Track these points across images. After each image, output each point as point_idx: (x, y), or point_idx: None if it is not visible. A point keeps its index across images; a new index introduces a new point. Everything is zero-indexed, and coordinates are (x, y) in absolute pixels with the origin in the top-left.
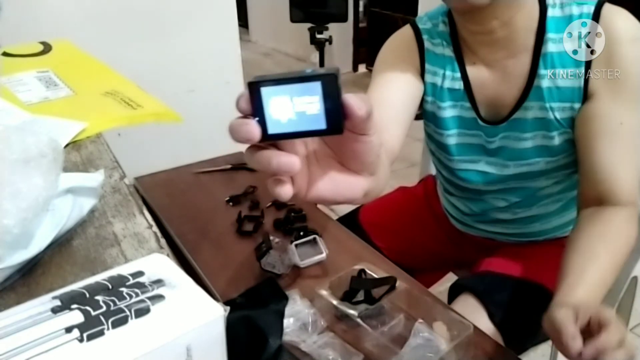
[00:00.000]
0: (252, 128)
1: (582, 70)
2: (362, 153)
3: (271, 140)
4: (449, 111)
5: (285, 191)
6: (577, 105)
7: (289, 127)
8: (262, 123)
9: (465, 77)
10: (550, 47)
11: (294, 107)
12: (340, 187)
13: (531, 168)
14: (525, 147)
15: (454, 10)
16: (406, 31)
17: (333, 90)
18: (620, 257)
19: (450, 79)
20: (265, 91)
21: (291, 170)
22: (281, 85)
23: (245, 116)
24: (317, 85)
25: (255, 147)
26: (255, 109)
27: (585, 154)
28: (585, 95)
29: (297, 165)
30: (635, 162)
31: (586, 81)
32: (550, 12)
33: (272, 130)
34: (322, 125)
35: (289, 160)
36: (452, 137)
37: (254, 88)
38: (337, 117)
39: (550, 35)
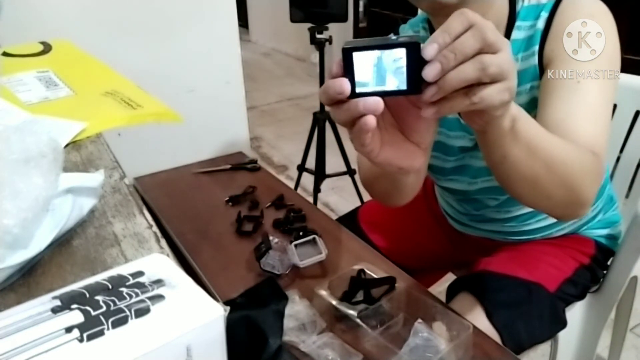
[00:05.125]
0: (344, 84)
1: (537, 48)
2: (423, 125)
3: (359, 97)
4: None
5: (370, 123)
6: (535, 84)
7: (374, 87)
8: (351, 83)
9: None
10: (515, 34)
11: (380, 70)
12: (404, 154)
13: None
14: None
15: (427, 13)
16: None
17: (415, 56)
18: (560, 151)
19: None
20: (356, 56)
21: (377, 109)
22: (370, 51)
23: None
24: (401, 51)
25: (341, 102)
26: (346, 71)
27: (539, 115)
28: (540, 70)
29: (382, 105)
30: (595, 119)
31: (540, 57)
32: (520, 4)
33: (359, 89)
34: (403, 85)
35: (374, 100)
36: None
37: (346, 53)
38: (417, 79)
39: (517, 23)
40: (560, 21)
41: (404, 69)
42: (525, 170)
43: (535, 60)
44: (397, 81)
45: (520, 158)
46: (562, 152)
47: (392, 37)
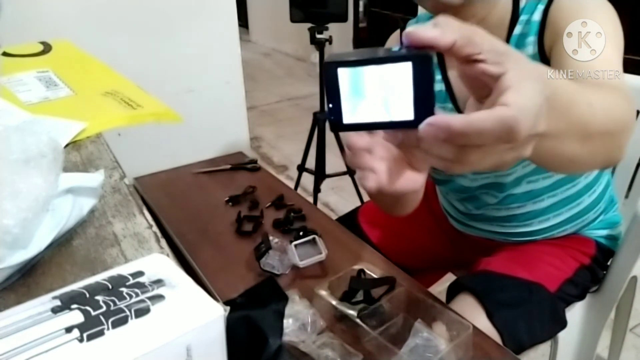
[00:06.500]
0: (355, 139)
1: (532, 38)
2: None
3: (347, 131)
4: None
5: (372, 185)
6: None
7: (368, 115)
8: (337, 110)
9: (446, 80)
10: (517, 30)
11: (377, 93)
12: (408, 181)
13: None
14: None
15: (430, 12)
16: (396, 36)
17: (425, 74)
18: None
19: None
20: (342, 73)
21: (384, 183)
22: (362, 67)
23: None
24: (406, 68)
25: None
26: (330, 93)
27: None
28: (542, 58)
29: (384, 178)
30: (617, 61)
31: (540, 46)
32: (524, 1)
33: (348, 119)
34: (408, 115)
35: (382, 175)
36: None
37: (329, 69)
38: (427, 107)
39: (520, 18)
40: (557, 7)
41: (410, 93)
42: (556, 157)
43: (530, 50)
44: (399, 109)
45: (549, 152)
46: (602, 125)
47: (394, 49)
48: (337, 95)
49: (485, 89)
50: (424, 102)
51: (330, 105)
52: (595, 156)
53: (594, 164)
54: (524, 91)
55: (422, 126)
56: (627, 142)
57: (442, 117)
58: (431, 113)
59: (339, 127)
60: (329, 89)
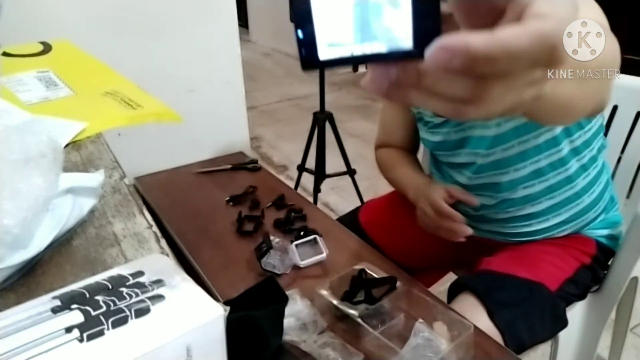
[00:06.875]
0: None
1: None
2: None
3: (324, 68)
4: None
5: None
6: None
7: (351, 47)
8: (309, 41)
9: None
10: None
11: (362, 14)
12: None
13: (506, 154)
14: (502, 132)
15: None
16: None
17: None
18: None
19: None
20: None
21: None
22: None
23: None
24: None
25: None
26: (300, 17)
27: None
28: None
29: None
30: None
31: None
32: None
33: (325, 53)
34: (406, 42)
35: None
36: (437, 135)
37: None
38: (431, 30)
39: None
40: None
41: (408, 10)
42: (552, 102)
43: None
44: (394, 34)
45: (546, 96)
46: (599, 60)
47: None
48: (309, 19)
49: (488, 15)
50: (426, 23)
51: (300, 35)
52: (589, 99)
53: (587, 108)
54: (559, 1)
55: (431, 52)
56: (612, 83)
57: (458, 38)
58: (436, 38)
59: (313, 63)
60: (298, 11)
